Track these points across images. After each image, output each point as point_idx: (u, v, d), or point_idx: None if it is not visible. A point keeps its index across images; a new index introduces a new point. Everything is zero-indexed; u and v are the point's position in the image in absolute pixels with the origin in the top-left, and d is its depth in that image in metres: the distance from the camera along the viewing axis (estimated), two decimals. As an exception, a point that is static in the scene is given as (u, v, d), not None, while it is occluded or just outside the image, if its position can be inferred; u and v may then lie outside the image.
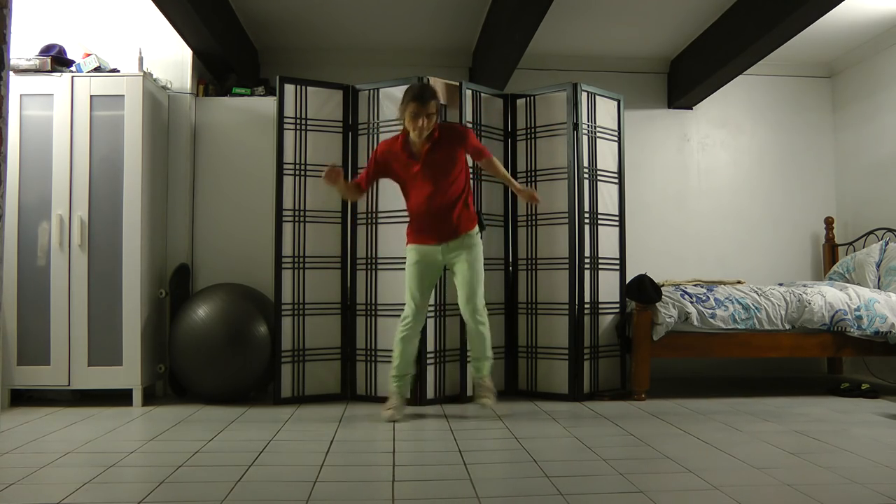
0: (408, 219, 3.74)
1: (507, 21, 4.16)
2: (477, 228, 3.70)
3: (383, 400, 4.03)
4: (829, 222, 5.47)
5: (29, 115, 3.94)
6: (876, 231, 5.09)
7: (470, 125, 4.22)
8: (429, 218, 3.60)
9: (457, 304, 3.73)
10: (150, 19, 4.21)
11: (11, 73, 3.83)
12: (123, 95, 3.98)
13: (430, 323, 3.98)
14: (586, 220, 4.24)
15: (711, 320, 4.20)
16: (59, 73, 3.98)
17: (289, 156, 4.12)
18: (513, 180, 3.87)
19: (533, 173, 4.36)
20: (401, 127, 3.64)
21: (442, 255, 3.63)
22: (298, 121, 4.16)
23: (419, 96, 3.50)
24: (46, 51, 4.07)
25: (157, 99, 4.22)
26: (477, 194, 4.23)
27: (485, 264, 4.23)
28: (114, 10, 4.40)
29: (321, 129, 4.22)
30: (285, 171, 4.11)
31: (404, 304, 3.66)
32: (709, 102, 5.53)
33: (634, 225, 5.10)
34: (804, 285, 4.52)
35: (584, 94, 4.27)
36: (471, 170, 4.16)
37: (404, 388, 3.70)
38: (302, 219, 4.15)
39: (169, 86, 4.40)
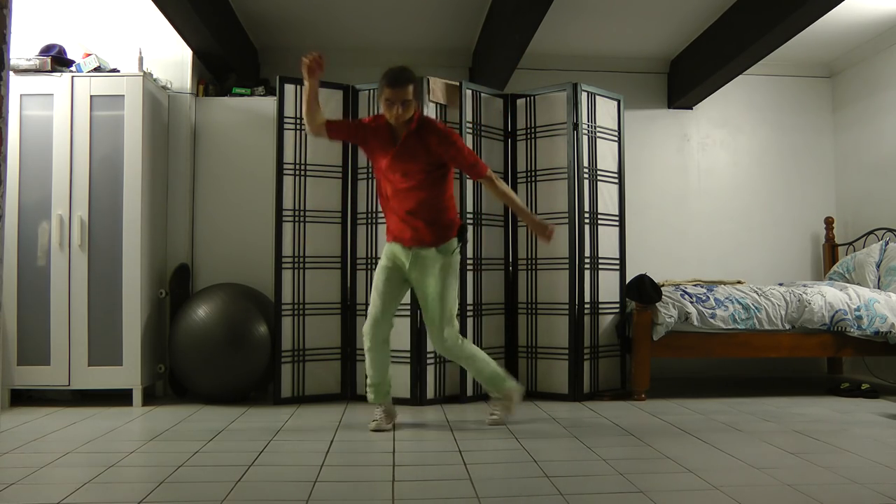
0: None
1: (507, 21, 4.16)
2: (454, 242, 3.31)
3: (383, 400, 4.05)
4: (829, 222, 5.46)
5: (29, 115, 3.94)
6: (876, 231, 5.09)
7: (470, 125, 4.22)
8: (398, 213, 3.32)
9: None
10: (150, 19, 4.22)
11: (11, 73, 3.83)
12: (123, 95, 3.98)
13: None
14: (586, 220, 4.24)
15: (711, 320, 4.19)
16: (59, 73, 3.98)
17: (289, 156, 4.12)
18: (524, 208, 3.46)
19: (533, 173, 4.36)
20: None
21: (409, 264, 3.29)
22: (298, 121, 4.15)
23: (394, 80, 3.20)
24: (46, 51, 4.07)
25: (157, 99, 4.22)
26: (476, 192, 4.24)
27: (485, 264, 4.26)
28: (114, 10, 4.40)
29: (321, 129, 4.22)
30: (285, 171, 4.11)
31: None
32: (709, 102, 5.52)
33: (634, 225, 5.10)
34: (804, 285, 4.52)
35: (584, 94, 4.27)
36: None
37: (379, 398, 3.37)
38: (302, 219, 4.15)
39: (169, 86, 4.40)
